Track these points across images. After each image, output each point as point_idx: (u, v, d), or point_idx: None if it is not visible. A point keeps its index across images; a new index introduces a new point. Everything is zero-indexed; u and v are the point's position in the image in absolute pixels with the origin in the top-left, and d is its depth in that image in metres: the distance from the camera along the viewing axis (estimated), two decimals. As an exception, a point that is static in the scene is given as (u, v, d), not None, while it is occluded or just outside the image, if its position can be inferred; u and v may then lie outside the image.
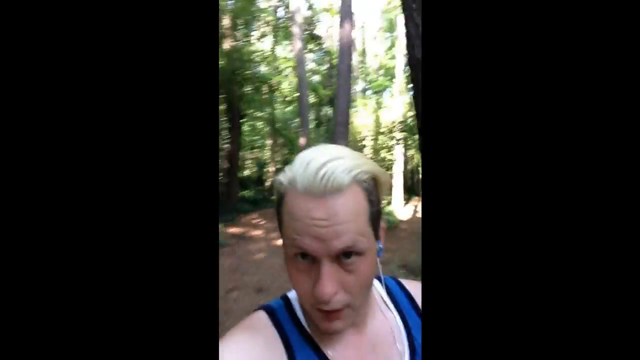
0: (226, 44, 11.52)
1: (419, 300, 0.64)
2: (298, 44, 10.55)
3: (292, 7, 11.56)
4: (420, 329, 0.61)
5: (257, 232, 8.67)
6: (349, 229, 0.45)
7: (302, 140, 10.28)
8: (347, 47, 8.02)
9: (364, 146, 16.55)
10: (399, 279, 0.69)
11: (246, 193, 14.96)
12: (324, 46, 17.33)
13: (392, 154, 14.60)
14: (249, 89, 12.87)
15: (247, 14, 12.42)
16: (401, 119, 12.96)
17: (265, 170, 18.87)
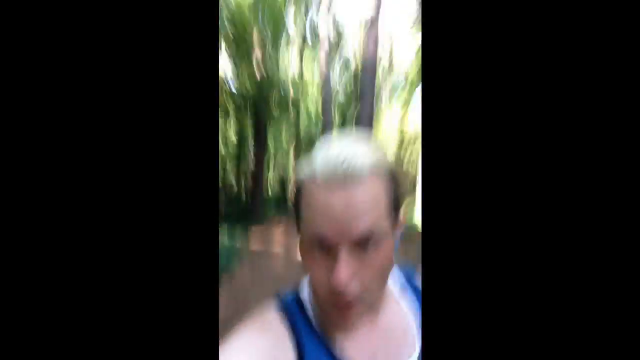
0: (256, 69, 11.96)
1: None
2: (324, 66, 10.71)
3: (320, 29, 11.86)
4: None
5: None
6: (367, 217, 0.46)
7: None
8: (371, 65, 8.05)
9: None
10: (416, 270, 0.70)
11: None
12: (350, 66, 17.59)
13: (414, 167, 14.57)
14: (277, 112, 13.28)
15: (276, 36, 12.86)
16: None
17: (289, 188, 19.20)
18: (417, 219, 11.78)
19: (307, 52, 16.06)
